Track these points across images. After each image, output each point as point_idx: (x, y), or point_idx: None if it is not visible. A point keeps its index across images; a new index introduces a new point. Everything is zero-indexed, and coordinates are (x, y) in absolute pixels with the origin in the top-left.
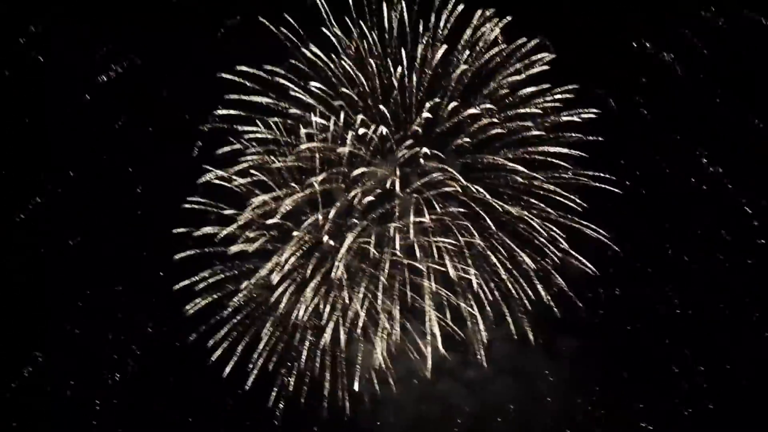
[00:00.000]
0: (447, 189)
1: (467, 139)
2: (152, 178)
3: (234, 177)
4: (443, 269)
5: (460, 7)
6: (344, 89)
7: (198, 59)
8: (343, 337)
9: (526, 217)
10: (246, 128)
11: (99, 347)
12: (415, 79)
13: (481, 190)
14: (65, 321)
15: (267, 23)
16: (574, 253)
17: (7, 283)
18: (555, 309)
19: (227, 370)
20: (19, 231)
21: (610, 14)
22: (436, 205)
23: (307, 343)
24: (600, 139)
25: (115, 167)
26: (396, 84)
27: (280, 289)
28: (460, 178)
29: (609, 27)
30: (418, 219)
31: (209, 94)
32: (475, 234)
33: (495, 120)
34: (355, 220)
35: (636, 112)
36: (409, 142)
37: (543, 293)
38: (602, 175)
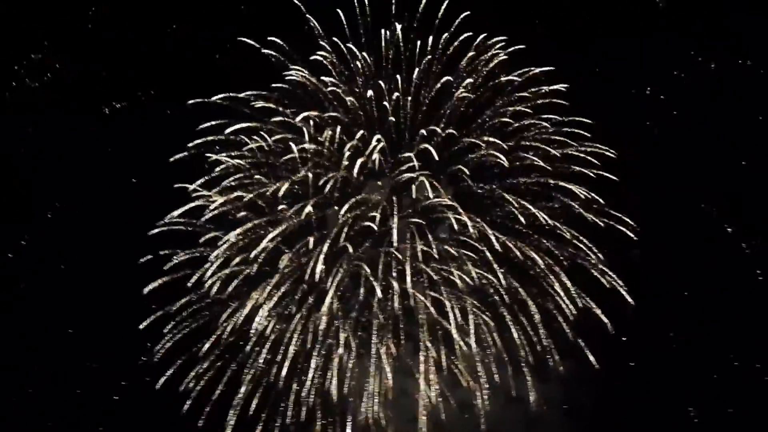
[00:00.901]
0: (441, 216)
1: (463, 168)
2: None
3: (224, 200)
4: (439, 297)
5: (466, 35)
6: (336, 114)
7: (195, 85)
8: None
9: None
10: (228, 155)
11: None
12: (410, 104)
13: (479, 220)
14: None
15: (261, 48)
16: (590, 302)
17: None
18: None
19: (200, 422)
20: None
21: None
22: (429, 234)
23: (293, 388)
24: (615, 179)
25: (104, 197)
26: (390, 109)
27: (265, 322)
28: (458, 206)
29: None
30: (411, 246)
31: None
32: (468, 265)
33: (496, 152)
34: (348, 245)
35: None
36: (404, 167)
37: (543, 336)
38: (621, 216)
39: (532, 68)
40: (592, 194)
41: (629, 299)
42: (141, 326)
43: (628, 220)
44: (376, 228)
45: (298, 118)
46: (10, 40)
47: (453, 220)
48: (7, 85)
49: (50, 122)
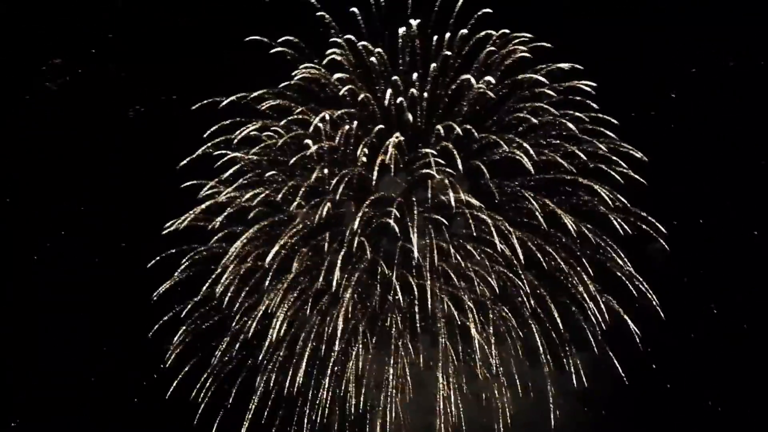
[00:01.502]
0: (459, 212)
1: (481, 165)
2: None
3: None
4: (456, 292)
5: (485, 32)
6: (351, 110)
7: (210, 85)
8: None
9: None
10: (243, 152)
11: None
12: (426, 100)
13: (499, 217)
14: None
15: (273, 45)
16: (617, 306)
17: None
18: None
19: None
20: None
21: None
22: (446, 231)
23: (310, 389)
24: (644, 182)
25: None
26: (406, 106)
27: (281, 319)
28: (476, 202)
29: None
30: (428, 242)
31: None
32: (486, 261)
33: (518, 150)
34: (365, 242)
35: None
36: (421, 163)
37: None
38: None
39: (558, 64)
40: (618, 195)
41: (657, 306)
42: (151, 331)
43: (655, 222)
44: (393, 224)
45: (316, 120)
46: (31, 44)
47: (470, 217)
48: (28, 87)
49: (70, 124)
